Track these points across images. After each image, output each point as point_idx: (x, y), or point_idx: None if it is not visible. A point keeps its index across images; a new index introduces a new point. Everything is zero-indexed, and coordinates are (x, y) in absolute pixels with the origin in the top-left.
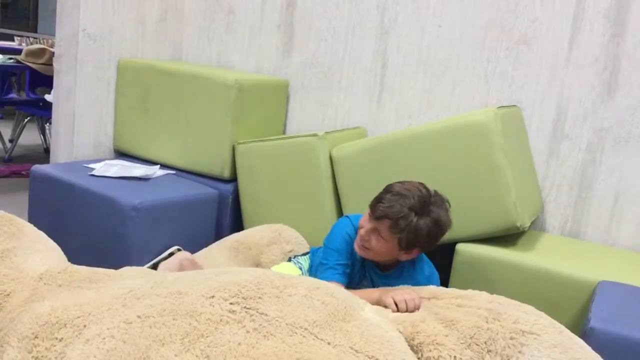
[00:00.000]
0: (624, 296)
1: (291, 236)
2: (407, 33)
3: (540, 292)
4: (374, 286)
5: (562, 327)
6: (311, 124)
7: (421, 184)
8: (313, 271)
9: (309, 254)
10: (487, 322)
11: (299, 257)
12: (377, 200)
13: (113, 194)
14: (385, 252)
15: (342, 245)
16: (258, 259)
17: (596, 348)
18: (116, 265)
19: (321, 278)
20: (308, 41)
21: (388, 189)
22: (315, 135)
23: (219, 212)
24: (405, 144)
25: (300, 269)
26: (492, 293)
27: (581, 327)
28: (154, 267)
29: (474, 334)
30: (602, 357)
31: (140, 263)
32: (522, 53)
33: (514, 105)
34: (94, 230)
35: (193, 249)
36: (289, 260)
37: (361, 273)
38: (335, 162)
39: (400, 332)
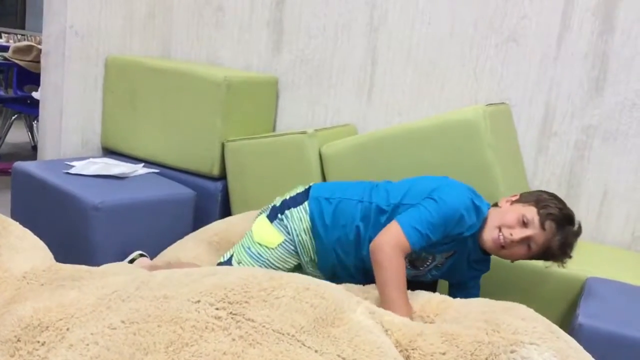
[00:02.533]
0: (612, 292)
1: None
2: (397, 30)
3: (529, 288)
4: (443, 266)
5: (558, 331)
6: (301, 121)
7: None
8: (342, 221)
9: (306, 203)
10: (487, 334)
11: (291, 211)
12: (549, 214)
13: (78, 192)
14: (518, 258)
15: (450, 222)
16: None
17: (584, 344)
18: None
19: (404, 224)
20: (298, 38)
21: (557, 205)
22: (304, 132)
23: (196, 213)
24: (395, 142)
25: (289, 233)
26: (481, 290)
27: (570, 323)
28: None
29: (475, 349)
30: (590, 353)
31: (102, 264)
32: (511, 50)
33: (503, 103)
34: (63, 229)
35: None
36: (276, 216)
37: (450, 247)
38: (325, 160)
39: (395, 342)
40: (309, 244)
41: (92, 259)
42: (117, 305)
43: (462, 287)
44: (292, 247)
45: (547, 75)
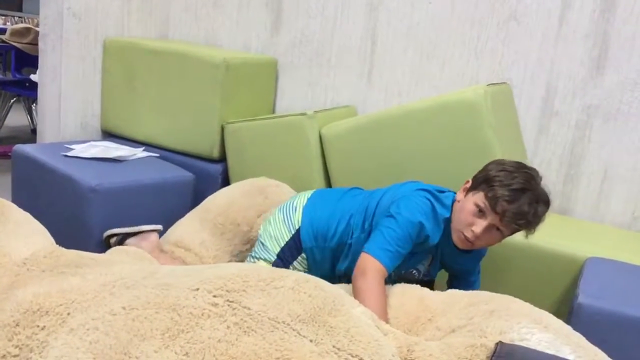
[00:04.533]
0: (611, 272)
1: (280, 194)
2: (397, 9)
3: (529, 268)
4: (436, 265)
5: (544, 319)
6: (301, 102)
7: (516, 162)
8: (354, 239)
9: (304, 254)
10: (474, 338)
11: (294, 265)
12: (496, 197)
13: (75, 175)
14: (495, 242)
15: (414, 231)
16: (248, 236)
17: (584, 323)
18: (75, 248)
19: (372, 249)
20: (297, 19)
21: (503, 181)
22: (304, 114)
23: (197, 195)
24: (395, 122)
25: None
26: (481, 269)
27: (569, 303)
28: (121, 238)
29: (471, 355)
30: (591, 332)
31: (99, 248)
32: (512, 30)
33: (504, 83)
34: (61, 211)
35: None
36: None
37: (425, 255)
38: (325, 141)
39: (397, 349)
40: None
41: (89, 241)
42: (121, 292)
43: (462, 279)
44: None
45: (548, 55)
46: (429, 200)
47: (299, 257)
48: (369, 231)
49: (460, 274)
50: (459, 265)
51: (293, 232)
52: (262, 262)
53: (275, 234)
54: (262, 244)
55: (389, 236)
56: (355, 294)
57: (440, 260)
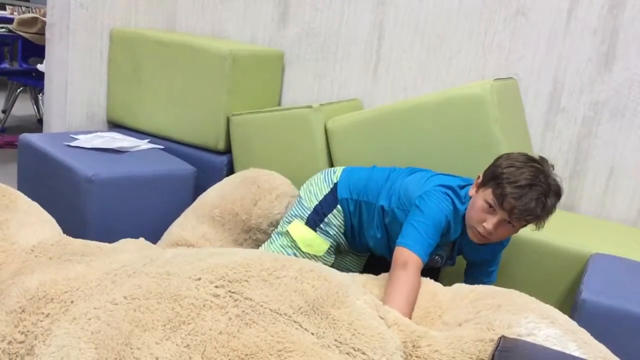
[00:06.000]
0: (616, 268)
1: (271, 182)
2: (404, 3)
3: (534, 264)
4: (452, 254)
5: (551, 314)
6: (307, 95)
7: (525, 155)
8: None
9: (339, 206)
10: (482, 332)
11: (329, 217)
12: (503, 195)
13: (73, 164)
14: (510, 234)
15: (441, 225)
16: (248, 224)
17: (588, 319)
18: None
19: (408, 243)
20: (304, 11)
21: (509, 178)
22: (310, 107)
23: (202, 188)
24: (401, 116)
25: (331, 237)
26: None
27: (573, 299)
28: None
29: (479, 350)
30: (594, 328)
31: (96, 238)
32: (520, 25)
33: (511, 78)
34: (61, 201)
35: (162, 228)
36: (318, 225)
37: (446, 243)
38: (330, 135)
39: (402, 343)
40: (344, 242)
41: (85, 231)
42: (122, 280)
43: (481, 269)
44: (333, 249)
45: (556, 50)
46: (450, 197)
47: (335, 210)
48: (390, 209)
49: (479, 263)
50: (478, 256)
51: (331, 186)
52: (296, 220)
53: (315, 190)
54: (300, 202)
55: (422, 230)
56: (394, 282)
57: (460, 252)
